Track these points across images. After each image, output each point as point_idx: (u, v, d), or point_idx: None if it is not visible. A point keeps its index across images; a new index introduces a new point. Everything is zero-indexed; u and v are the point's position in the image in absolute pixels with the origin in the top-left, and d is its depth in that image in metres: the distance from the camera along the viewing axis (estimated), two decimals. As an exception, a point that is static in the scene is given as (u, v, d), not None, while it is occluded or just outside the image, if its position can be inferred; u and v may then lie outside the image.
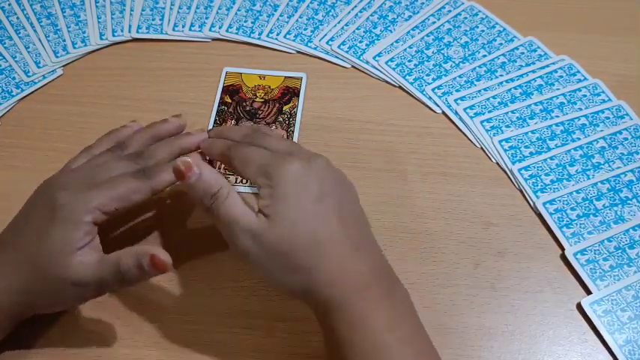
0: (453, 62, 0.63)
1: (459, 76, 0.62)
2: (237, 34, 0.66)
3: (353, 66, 0.64)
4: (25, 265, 0.42)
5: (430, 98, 0.61)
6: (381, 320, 0.38)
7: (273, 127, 0.59)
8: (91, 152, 0.48)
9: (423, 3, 0.68)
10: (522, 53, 0.64)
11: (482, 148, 0.58)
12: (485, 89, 0.61)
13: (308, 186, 0.40)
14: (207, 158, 0.49)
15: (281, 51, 0.65)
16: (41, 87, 0.62)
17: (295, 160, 0.41)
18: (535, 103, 0.60)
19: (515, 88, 0.61)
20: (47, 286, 0.42)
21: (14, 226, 0.45)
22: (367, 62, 0.63)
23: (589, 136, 0.57)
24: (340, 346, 0.38)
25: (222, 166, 0.56)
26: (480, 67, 0.63)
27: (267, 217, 0.39)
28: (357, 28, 0.66)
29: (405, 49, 0.64)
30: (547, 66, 0.63)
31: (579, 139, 0.57)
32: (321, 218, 0.40)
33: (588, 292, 0.49)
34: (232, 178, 0.55)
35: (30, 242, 0.42)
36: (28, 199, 0.46)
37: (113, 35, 0.66)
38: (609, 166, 0.55)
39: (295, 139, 0.58)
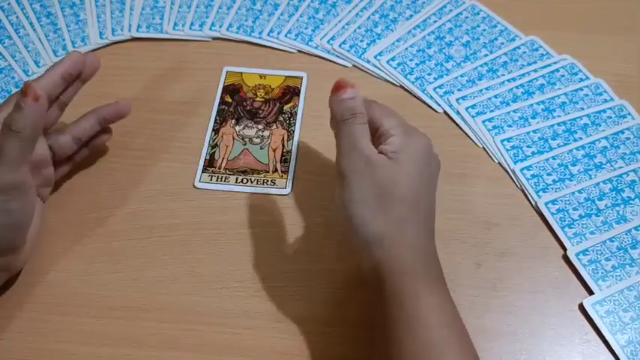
0: (455, 61, 0.63)
1: (461, 76, 0.62)
2: (237, 33, 0.66)
3: (354, 65, 0.64)
4: None
5: (431, 98, 0.61)
6: (438, 298, 0.40)
7: (274, 126, 0.59)
8: None
9: (424, 2, 0.68)
10: (524, 52, 0.63)
11: (483, 147, 0.57)
12: (486, 89, 0.61)
13: (428, 163, 0.44)
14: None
15: (282, 50, 0.65)
16: (41, 86, 0.62)
17: (427, 138, 0.45)
18: (537, 103, 0.60)
19: (517, 87, 0.61)
20: None
21: None
22: (368, 61, 0.63)
23: (591, 135, 0.57)
24: (401, 311, 0.39)
25: (224, 165, 0.56)
26: (481, 66, 0.62)
27: (388, 158, 0.42)
28: (358, 27, 0.66)
29: (407, 49, 0.64)
30: (549, 65, 0.62)
31: (581, 138, 0.57)
32: (424, 192, 0.43)
33: (590, 292, 0.49)
34: (232, 178, 0.55)
35: None
36: None
37: (113, 34, 0.66)
38: (611, 165, 0.55)
39: (296, 138, 0.58)
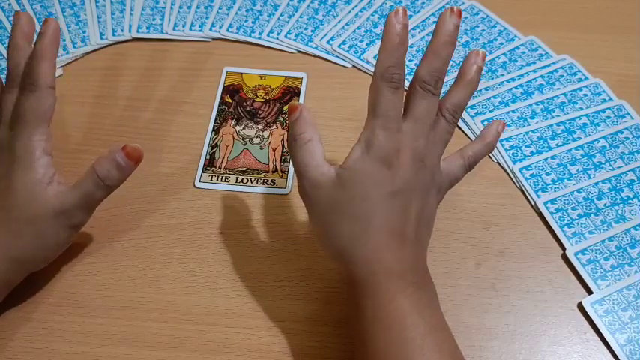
0: (454, 62, 0.63)
1: (460, 76, 0.62)
2: (237, 33, 0.66)
3: (354, 65, 0.64)
4: (3, 223, 0.44)
5: (431, 98, 0.61)
6: (407, 305, 0.39)
7: (274, 126, 0.59)
8: None
9: (423, 2, 0.68)
10: (523, 53, 0.64)
11: (482, 147, 0.58)
12: (485, 89, 0.61)
13: (393, 179, 0.41)
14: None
15: (281, 50, 0.65)
16: (41, 87, 0.62)
17: (395, 155, 0.41)
18: (536, 103, 0.60)
19: (516, 87, 0.61)
20: (33, 230, 0.44)
21: None
22: (368, 62, 0.63)
23: (590, 135, 0.57)
24: (364, 320, 0.40)
25: (224, 165, 0.56)
26: (480, 66, 0.63)
27: (337, 177, 0.41)
28: (358, 28, 0.66)
29: (406, 49, 0.64)
30: (548, 65, 0.62)
31: (580, 138, 0.57)
32: (383, 208, 0.41)
33: (589, 291, 0.49)
34: (232, 178, 0.55)
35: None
36: None
37: (113, 35, 0.66)
38: (610, 165, 0.55)
39: (296, 138, 0.58)
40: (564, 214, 0.52)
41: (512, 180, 0.55)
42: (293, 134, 0.43)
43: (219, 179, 0.55)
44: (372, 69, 0.62)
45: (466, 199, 0.54)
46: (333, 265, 0.50)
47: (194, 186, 0.55)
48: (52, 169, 0.45)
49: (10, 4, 0.68)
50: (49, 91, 0.45)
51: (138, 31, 0.66)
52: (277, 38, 0.65)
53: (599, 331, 0.47)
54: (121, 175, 0.46)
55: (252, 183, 0.55)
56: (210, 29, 0.66)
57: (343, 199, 0.41)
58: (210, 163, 0.56)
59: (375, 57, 0.63)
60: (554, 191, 0.54)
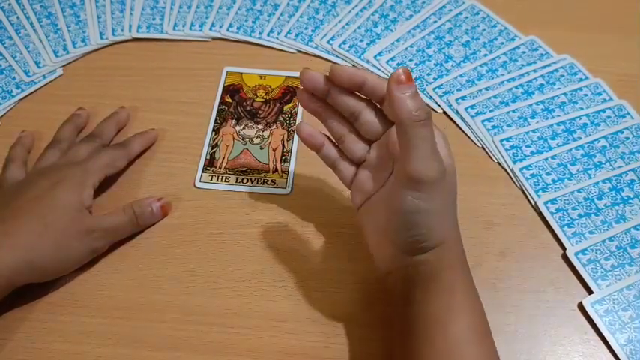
0: (454, 61, 0.63)
1: (460, 76, 0.62)
2: (237, 33, 0.66)
3: (354, 65, 0.64)
4: (30, 224, 0.46)
5: (431, 97, 0.61)
6: (467, 293, 0.42)
7: (274, 126, 0.59)
8: (58, 146, 0.55)
9: (424, 2, 0.68)
10: (523, 52, 0.64)
11: (483, 147, 0.58)
12: (486, 88, 0.61)
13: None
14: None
15: (282, 50, 0.65)
16: (41, 87, 0.62)
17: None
18: (536, 103, 0.60)
19: (516, 87, 0.61)
20: (60, 241, 0.47)
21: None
22: (368, 61, 0.63)
23: (590, 135, 0.57)
24: (422, 316, 0.41)
25: (224, 165, 0.56)
26: (481, 66, 0.63)
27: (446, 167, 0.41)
28: (358, 28, 0.66)
29: (406, 49, 0.64)
30: (548, 65, 0.62)
31: (580, 138, 0.57)
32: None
33: (590, 291, 0.49)
34: (233, 178, 0.55)
35: (35, 204, 0.47)
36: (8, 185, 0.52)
37: (113, 35, 0.66)
38: (610, 165, 0.55)
39: (296, 138, 0.58)
40: (565, 214, 0.52)
41: (512, 180, 0.55)
42: (427, 110, 0.38)
43: (220, 179, 0.55)
44: (373, 69, 0.63)
45: (466, 199, 0.54)
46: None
47: (194, 186, 0.55)
48: (91, 202, 0.50)
49: (10, 4, 0.68)
50: (128, 159, 0.55)
51: (138, 31, 0.66)
52: (277, 38, 0.65)
53: (600, 331, 0.47)
54: (150, 219, 0.52)
55: (252, 183, 0.55)
56: (210, 29, 0.66)
57: (455, 185, 0.43)
58: (210, 163, 0.56)
59: (375, 57, 0.63)
60: (555, 191, 0.54)
